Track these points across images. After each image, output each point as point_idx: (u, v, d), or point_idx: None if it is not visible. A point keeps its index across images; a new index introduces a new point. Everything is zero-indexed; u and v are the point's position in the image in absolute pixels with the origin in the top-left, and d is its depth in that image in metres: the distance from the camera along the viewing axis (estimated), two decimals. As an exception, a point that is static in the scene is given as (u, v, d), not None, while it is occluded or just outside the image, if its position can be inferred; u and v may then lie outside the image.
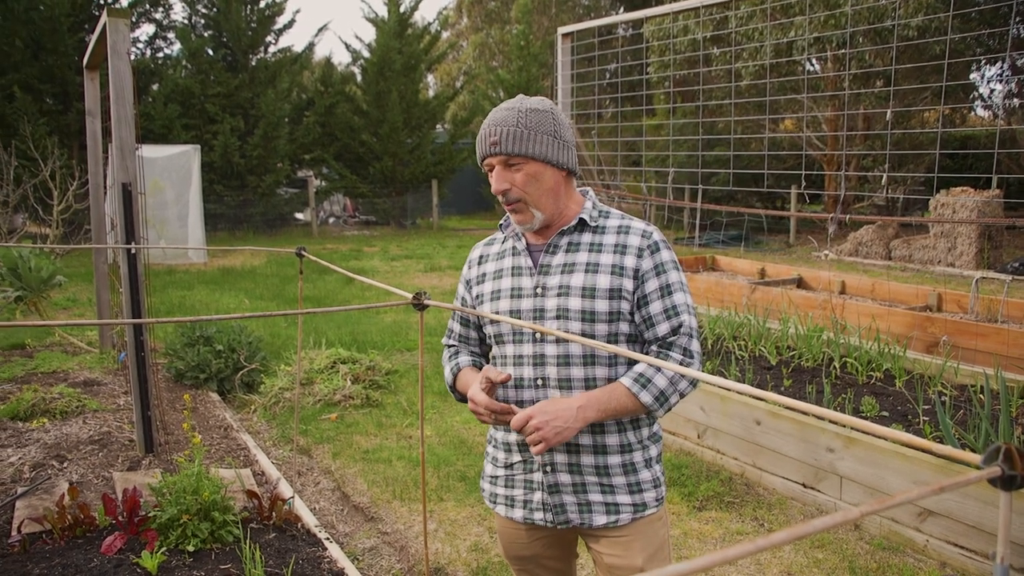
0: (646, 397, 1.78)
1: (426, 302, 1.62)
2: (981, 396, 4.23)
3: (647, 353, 1.86)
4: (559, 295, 1.85)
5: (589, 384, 1.85)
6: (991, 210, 10.96)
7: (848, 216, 5.23)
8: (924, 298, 6.76)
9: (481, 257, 2.03)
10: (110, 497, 3.18)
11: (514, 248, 1.96)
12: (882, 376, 4.76)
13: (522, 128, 1.80)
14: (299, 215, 19.54)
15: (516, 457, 1.93)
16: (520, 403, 1.89)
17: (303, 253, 3.81)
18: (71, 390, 5.01)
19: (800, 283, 7.88)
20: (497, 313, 1.91)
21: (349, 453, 4.53)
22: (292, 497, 3.57)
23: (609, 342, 1.83)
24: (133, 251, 4.09)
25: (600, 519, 1.87)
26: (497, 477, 1.99)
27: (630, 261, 1.84)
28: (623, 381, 1.79)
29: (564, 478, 1.87)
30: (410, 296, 1.63)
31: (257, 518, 3.34)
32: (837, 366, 4.93)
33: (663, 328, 1.84)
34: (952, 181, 14.31)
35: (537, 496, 1.90)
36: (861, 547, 3.37)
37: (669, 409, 1.84)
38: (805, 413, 3.88)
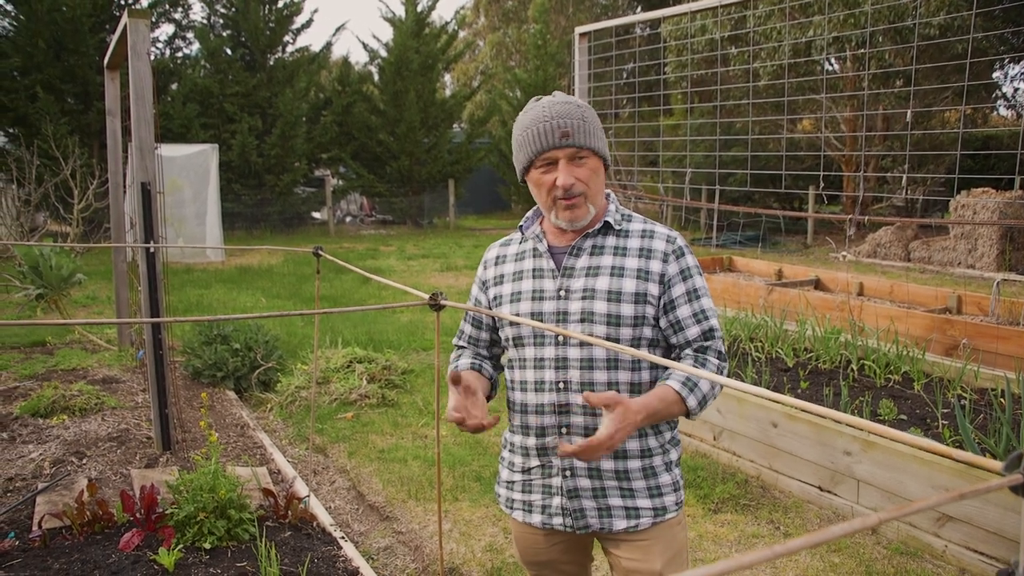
0: (692, 401, 1.76)
1: (443, 302, 1.62)
2: (1002, 400, 4.18)
3: (679, 357, 1.86)
4: (584, 298, 1.83)
5: (611, 388, 1.83)
6: (1013, 211, 10.83)
7: (867, 217, 5.19)
8: (944, 300, 6.69)
9: (498, 258, 2.00)
10: (128, 494, 3.21)
11: (535, 250, 1.93)
12: (900, 379, 4.71)
13: (587, 122, 1.80)
14: (316, 214, 19.64)
15: (534, 462, 1.91)
16: (541, 406, 1.87)
17: (320, 252, 3.83)
18: (90, 387, 5.06)
19: (818, 284, 7.82)
20: (518, 315, 1.88)
21: (365, 452, 4.54)
22: (308, 496, 3.59)
23: (632, 346, 1.82)
24: (152, 250, 4.12)
25: (620, 524, 1.85)
26: (514, 482, 1.97)
27: (656, 266, 1.83)
28: (672, 385, 1.76)
29: (584, 483, 1.85)
30: (427, 296, 1.63)
31: (273, 516, 3.35)
32: (855, 368, 4.89)
33: (693, 332, 1.83)
34: (973, 182, 14.15)
35: (556, 501, 1.89)
36: (878, 552, 3.34)
37: (704, 410, 1.84)
38: (822, 416, 3.85)
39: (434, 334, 7.41)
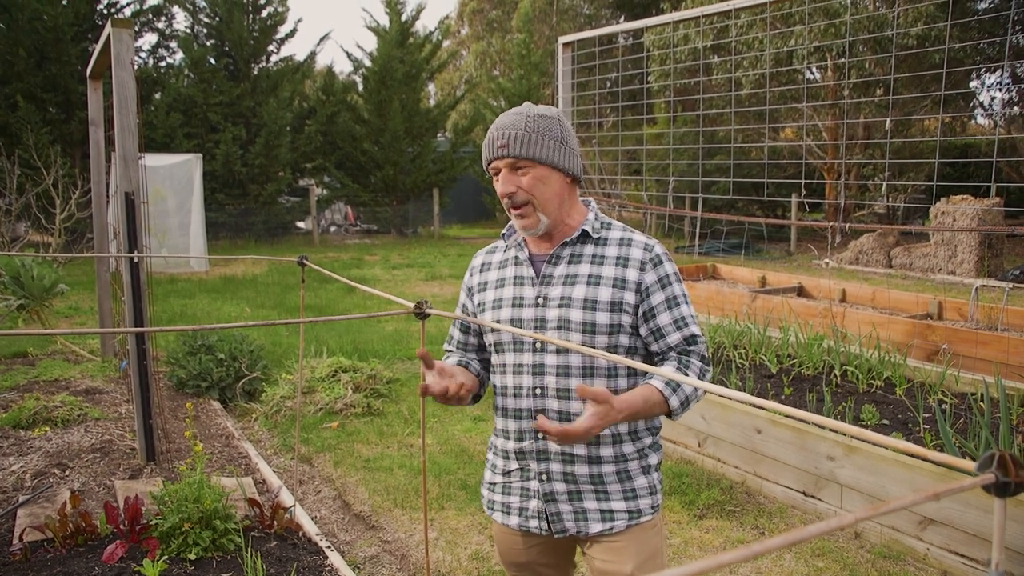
0: (675, 402, 1.79)
1: (427, 311, 1.63)
2: (981, 404, 4.23)
3: (661, 362, 1.89)
4: (560, 306, 1.86)
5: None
6: (991, 218, 10.97)
7: (849, 224, 5.25)
8: (925, 306, 6.77)
9: (483, 265, 2.04)
10: (112, 505, 3.19)
11: (516, 258, 1.96)
12: (882, 384, 4.76)
13: (530, 132, 1.82)
14: (300, 224, 19.58)
15: (513, 464, 1.95)
16: (519, 411, 1.91)
17: (305, 262, 3.83)
18: (73, 398, 5.02)
19: (801, 291, 7.89)
20: (498, 322, 1.92)
21: (350, 462, 4.53)
22: (293, 505, 3.57)
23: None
24: (135, 260, 4.10)
25: (596, 527, 1.88)
26: (495, 484, 2.02)
27: (632, 274, 1.85)
28: (655, 384, 1.79)
29: (559, 487, 1.89)
30: (411, 305, 1.64)
31: (258, 526, 3.34)
32: (838, 374, 4.94)
33: (674, 338, 1.86)
34: (952, 189, 14.32)
35: (533, 504, 1.92)
36: (862, 555, 3.37)
37: (686, 412, 1.88)
38: (805, 421, 3.88)
39: (419, 343, 7.41)
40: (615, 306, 1.84)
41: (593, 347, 1.83)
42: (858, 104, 14.46)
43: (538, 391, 1.88)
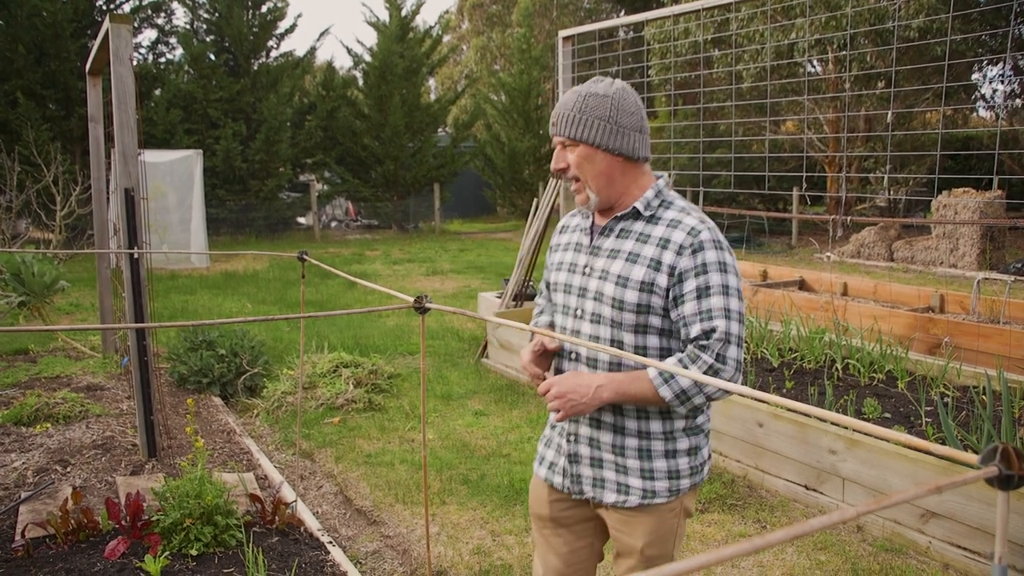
0: (666, 392, 1.81)
1: (427, 305, 1.63)
2: (983, 397, 4.23)
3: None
4: (600, 278, 1.92)
5: (614, 368, 1.92)
6: (993, 211, 10.95)
7: (850, 218, 5.23)
8: (926, 299, 6.75)
9: (563, 227, 2.14)
10: (113, 501, 3.19)
11: (582, 226, 2.04)
12: (884, 378, 4.75)
13: (577, 112, 1.87)
14: (301, 219, 19.56)
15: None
16: (560, 372, 2.00)
17: (305, 257, 3.82)
18: (74, 395, 5.02)
19: (802, 285, 7.87)
20: (555, 283, 2.05)
21: (352, 457, 4.53)
22: (295, 501, 3.58)
23: (637, 332, 1.89)
24: (136, 256, 4.10)
25: (611, 497, 1.95)
26: (545, 436, 2.15)
27: (668, 257, 1.84)
28: (648, 371, 1.83)
29: (584, 450, 1.97)
30: (412, 300, 1.64)
31: (260, 522, 3.34)
32: (839, 368, 4.93)
33: (695, 330, 1.82)
34: (954, 182, 14.30)
35: (561, 461, 2.03)
36: (864, 549, 3.36)
37: (695, 408, 1.88)
38: (807, 415, 3.88)
39: (420, 338, 7.40)
40: (645, 286, 1.85)
41: (621, 323, 1.89)
42: (859, 97, 14.43)
43: (573, 356, 1.98)
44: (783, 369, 5.02)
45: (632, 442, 1.91)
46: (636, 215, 1.92)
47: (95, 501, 3.62)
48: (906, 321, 5.81)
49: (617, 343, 1.89)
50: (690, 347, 1.84)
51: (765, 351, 5.34)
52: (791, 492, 3.87)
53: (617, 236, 1.93)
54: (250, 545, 3.00)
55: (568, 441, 1.99)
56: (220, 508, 3.09)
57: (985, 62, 15.96)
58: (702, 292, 1.82)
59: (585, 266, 1.96)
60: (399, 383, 5.95)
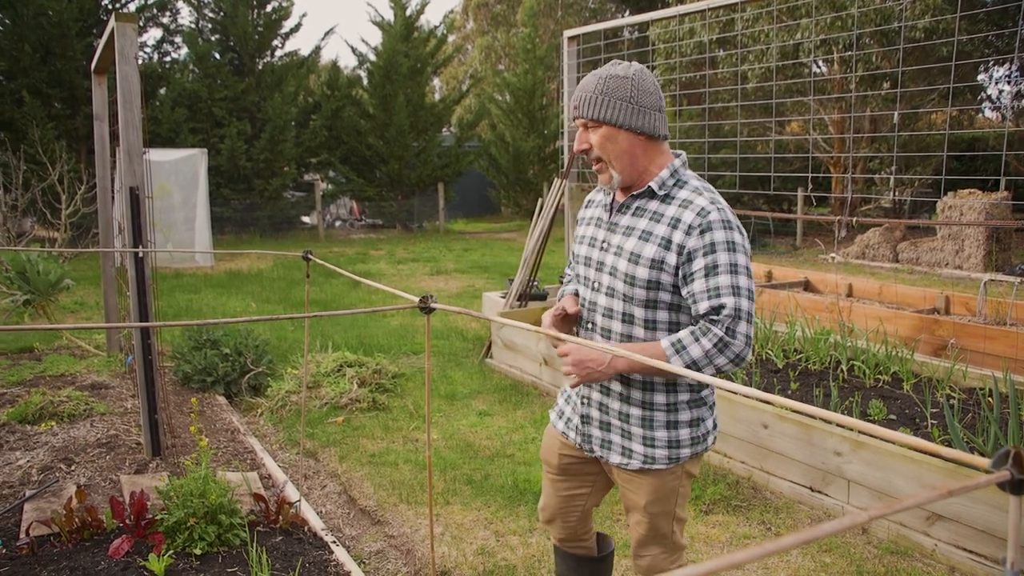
0: (677, 362, 1.89)
1: (433, 305, 1.62)
2: (990, 399, 4.21)
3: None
4: (614, 254, 2.04)
5: (625, 340, 2.05)
6: (999, 212, 10.91)
7: (855, 218, 5.21)
8: (932, 301, 6.73)
9: (588, 202, 2.27)
10: (117, 500, 3.19)
11: (604, 202, 2.16)
12: (890, 379, 4.74)
13: (598, 94, 1.96)
14: (305, 218, 19.57)
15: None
16: (577, 335, 2.16)
17: (310, 256, 3.82)
18: (79, 393, 5.02)
19: (807, 286, 7.85)
20: (577, 255, 2.19)
21: (355, 456, 4.53)
22: (299, 500, 3.57)
23: (647, 306, 2.00)
24: (140, 255, 4.10)
25: (616, 458, 2.12)
26: (565, 391, 2.29)
27: (678, 236, 1.93)
28: (662, 342, 1.93)
29: (595, 413, 2.14)
30: (416, 300, 1.63)
31: (264, 521, 3.34)
32: (844, 369, 4.92)
33: (703, 307, 1.91)
34: (960, 183, 14.24)
35: (576, 420, 2.20)
36: (869, 551, 3.35)
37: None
38: (812, 416, 3.86)
39: (424, 337, 7.40)
40: (655, 263, 1.95)
41: (632, 298, 2.00)
42: (865, 97, 14.39)
43: (589, 325, 2.13)
44: (788, 370, 5.01)
45: (636, 411, 2.05)
46: (651, 194, 2.01)
47: (99, 499, 3.62)
48: (911, 323, 5.79)
49: (628, 316, 2.01)
50: (702, 322, 1.92)
51: (770, 352, 5.33)
52: (796, 494, 3.86)
53: (633, 214, 2.03)
54: (254, 544, 3.00)
55: (582, 403, 2.16)
56: (224, 507, 3.09)
57: (991, 62, 15.91)
58: (710, 271, 1.90)
59: (603, 241, 2.08)
60: (403, 383, 5.95)
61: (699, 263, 1.90)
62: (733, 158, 14.93)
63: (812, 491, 3.79)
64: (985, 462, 0.75)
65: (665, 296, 1.97)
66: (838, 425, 3.69)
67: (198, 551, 2.95)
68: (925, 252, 11.91)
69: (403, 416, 5.24)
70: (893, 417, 4.12)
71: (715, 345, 1.88)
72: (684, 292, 1.95)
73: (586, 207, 2.25)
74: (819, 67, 16.64)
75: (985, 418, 3.80)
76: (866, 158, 15.91)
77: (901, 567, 3.20)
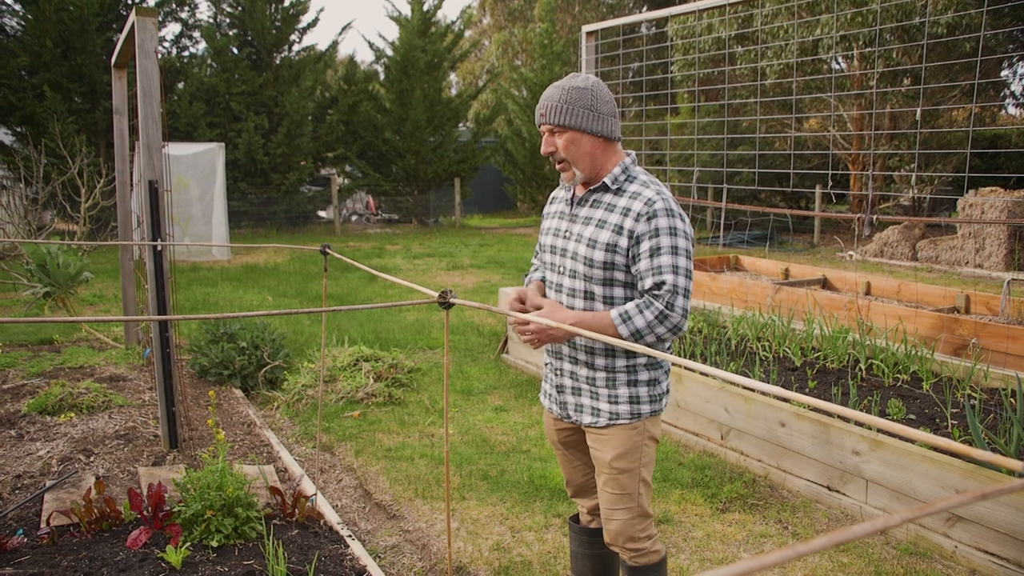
0: (623, 330, 2.21)
1: (452, 300, 1.62)
2: (1012, 400, 4.16)
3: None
4: (575, 240, 2.34)
5: (585, 308, 2.36)
6: (1021, 210, 10.77)
7: (875, 216, 5.16)
8: (952, 300, 6.65)
9: (553, 198, 2.56)
10: (135, 492, 3.21)
11: (565, 197, 2.47)
12: (909, 379, 4.69)
13: (563, 103, 2.25)
14: (322, 213, 19.64)
15: (547, 358, 2.53)
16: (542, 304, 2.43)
17: (327, 251, 3.83)
18: (97, 385, 5.07)
19: (825, 284, 7.79)
20: (543, 245, 2.49)
21: (371, 451, 4.54)
22: (315, 494, 3.58)
23: (605, 284, 2.30)
24: (159, 248, 4.12)
25: (586, 419, 2.41)
26: (544, 374, 2.58)
27: (628, 223, 2.24)
28: (611, 312, 2.24)
29: (567, 382, 2.44)
30: (435, 294, 1.63)
31: (280, 514, 3.35)
32: (863, 368, 4.87)
33: (648, 283, 2.23)
34: (981, 181, 14.08)
35: (553, 392, 2.51)
36: (888, 552, 3.32)
37: (647, 345, 2.23)
38: (830, 414, 3.83)
39: (441, 332, 7.41)
40: (610, 247, 2.26)
41: (591, 277, 2.30)
42: (885, 94, 14.24)
43: (555, 289, 2.42)
44: (806, 368, 4.97)
45: (601, 375, 2.36)
46: (606, 188, 2.32)
47: (117, 491, 3.65)
48: (931, 322, 5.73)
49: (589, 293, 2.31)
50: (646, 295, 2.23)
51: (787, 350, 5.29)
52: (813, 493, 3.83)
53: (590, 205, 2.34)
54: (270, 537, 3.01)
55: (555, 375, 2.47)
56: (241, 500, 3.10)
57: (1015, 58, 15.70)
58: (654, 252, 2.21)
59: (566, 230, 2.39)
60: (419, 377, 5.96)
61: (645, 245, 2.21)
62: (751, 154, 14.83)
63: (830, 490, 3.76)
64: (1019, 464, 0.73)
65: (620, 275, 2.28)
66: (857, 423, 3.66)
67: (215, 543, 2.97)
68: (945, 251, 11.79)
69: (419, 411, 5.25)
70: (912, 417, 4.07)
71: (656, 317, 2.19)
72: (633, 270, 2.25)
73: (550, 203, 2.55)
74: (839, 63, 16.48)
75: (1007, 419, 3.75)
76: (886, 155, 15.76)
77: (920, 569, 3.17)
